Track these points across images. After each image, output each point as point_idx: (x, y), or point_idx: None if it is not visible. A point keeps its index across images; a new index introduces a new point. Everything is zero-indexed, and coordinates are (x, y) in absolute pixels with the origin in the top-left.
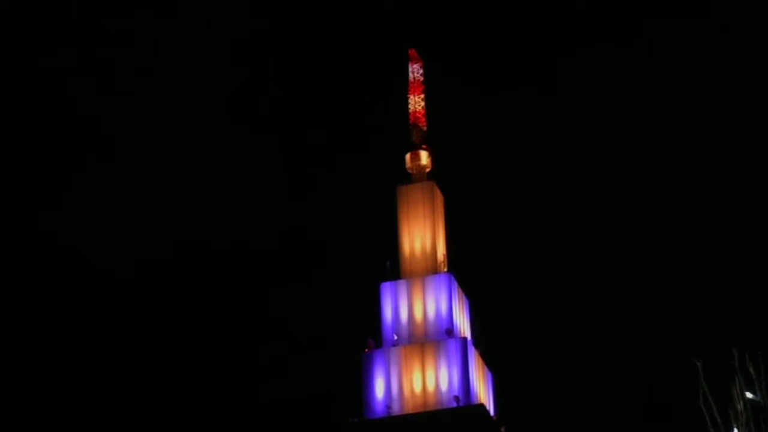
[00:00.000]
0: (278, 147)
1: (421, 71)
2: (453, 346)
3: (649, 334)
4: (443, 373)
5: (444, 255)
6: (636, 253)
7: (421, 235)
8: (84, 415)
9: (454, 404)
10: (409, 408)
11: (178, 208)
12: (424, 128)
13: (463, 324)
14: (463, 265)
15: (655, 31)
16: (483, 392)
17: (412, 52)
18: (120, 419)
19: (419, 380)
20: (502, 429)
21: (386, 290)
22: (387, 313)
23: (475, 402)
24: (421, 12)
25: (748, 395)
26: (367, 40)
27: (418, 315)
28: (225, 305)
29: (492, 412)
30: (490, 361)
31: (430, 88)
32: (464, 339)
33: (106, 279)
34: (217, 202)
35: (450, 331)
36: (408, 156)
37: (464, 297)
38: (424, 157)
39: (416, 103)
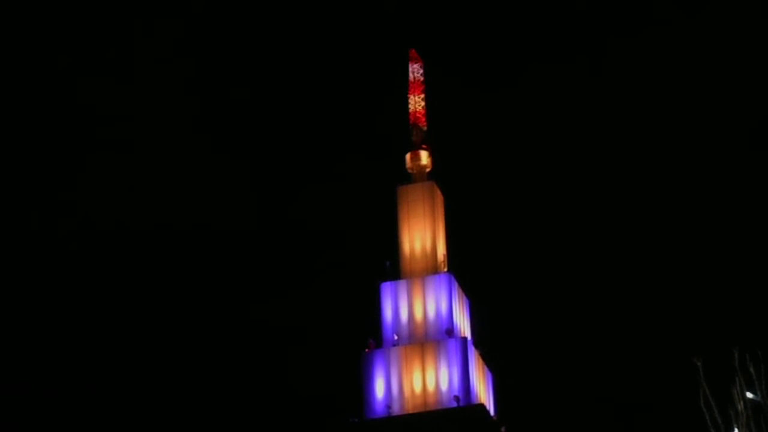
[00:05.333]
0: (279, 147)
1: (421, 71)
2: (453, 346)
3: (649, 334)
4: (443, 373)
5: (444, 255)
6: (636, 254)
7: (421, 235)
8: (69, 409)
9: (454, 404)
10: (409, 408)
11: (171, 203)
12: (424, 128)
13: (463, 324)
14: (463, 265)
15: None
16: (483, 392)
17: (412, 52)
18: (115, 417)
19: (419, 380)
20: (502, 429)
21: (386, 290)
22: (387, 313)
23: (475, 402)
24: (421, 12)
25: (749, 395)
26: (367, 40)
27: (418, 315)
28: (225, 306)
29: (492, 412)
30: (490, 361)
31: (430, 88)
32: (464, 339)
33: (92, 264)
34: (217, 201)
35: (450, 331)
36: (408, 156)
37: (464, 297)
38: (424, 157)
39: (416, 103)
